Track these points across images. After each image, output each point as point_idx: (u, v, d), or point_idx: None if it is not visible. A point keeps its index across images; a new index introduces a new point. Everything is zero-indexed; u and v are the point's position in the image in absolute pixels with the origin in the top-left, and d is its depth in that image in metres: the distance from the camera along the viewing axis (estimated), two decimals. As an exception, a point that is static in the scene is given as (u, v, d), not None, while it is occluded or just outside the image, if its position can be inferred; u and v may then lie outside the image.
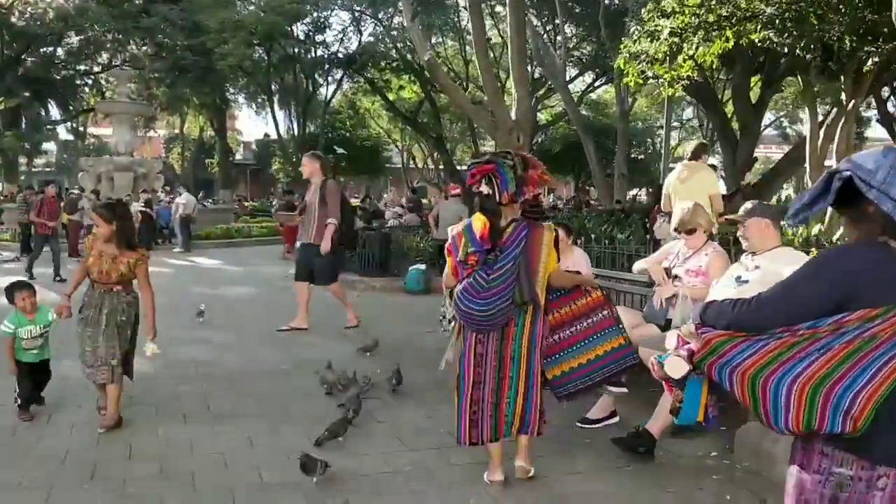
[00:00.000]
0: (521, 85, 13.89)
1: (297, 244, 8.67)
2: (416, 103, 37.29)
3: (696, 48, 10.26)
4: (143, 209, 18.23)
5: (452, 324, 4.46)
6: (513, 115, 13.77)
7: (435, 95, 34.14)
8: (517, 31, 13.21)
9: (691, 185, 7.14)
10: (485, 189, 3.90)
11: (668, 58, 11.66)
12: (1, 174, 37.31)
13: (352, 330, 8.27)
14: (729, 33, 9.94)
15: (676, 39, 10.35)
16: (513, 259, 3.80)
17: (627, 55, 12.08)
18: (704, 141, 12.62)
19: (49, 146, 41.94)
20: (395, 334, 8.00)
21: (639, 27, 11.62)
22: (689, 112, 40.76)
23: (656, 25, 10.48)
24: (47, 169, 42.96)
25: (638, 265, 5.51)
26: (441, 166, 54.16)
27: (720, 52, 10.33)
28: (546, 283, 3.99)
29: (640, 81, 12.99)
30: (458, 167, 37.03)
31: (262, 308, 10.04)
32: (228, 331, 8.42)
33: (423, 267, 11.36)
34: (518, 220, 3.90)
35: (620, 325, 4.25)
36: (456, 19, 30.82)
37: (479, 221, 3.86)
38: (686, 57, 10.66)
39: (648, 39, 11.38)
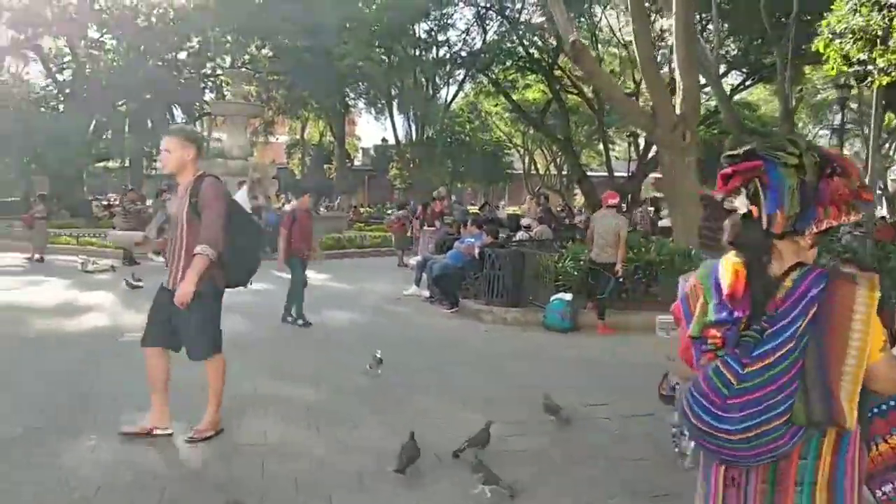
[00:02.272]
0: (688, 70, 11.32)
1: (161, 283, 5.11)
2: (542, 104, 35.00)
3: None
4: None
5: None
6: (677, 107, 11.26)
7: (564, 95, 31.78)
8: (683, 1, 10.66)
9: None
10: (741, 205, 1.98)
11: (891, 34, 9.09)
12: (127, 176, 37.83)
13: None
14: None
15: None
16: (793, 338, 1.88)
17: (829, 35, 9.52)
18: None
19: (174, 150, 42.20)
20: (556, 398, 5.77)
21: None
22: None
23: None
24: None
25: None
26: (565, 172, 52.01)
27: None
28: (860, 386, 1.88)
29: (845, 68, 10.38)
30: (588, 173, 34.45)
31: (358, 343, 8.05)
32: (311, 379, 6.44)
33: (567, 297, 9.07)
34: (806, 266, 1.97)
35: None
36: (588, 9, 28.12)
37: (728, 267, 2.01)
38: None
39: (866, 11, 8.81)
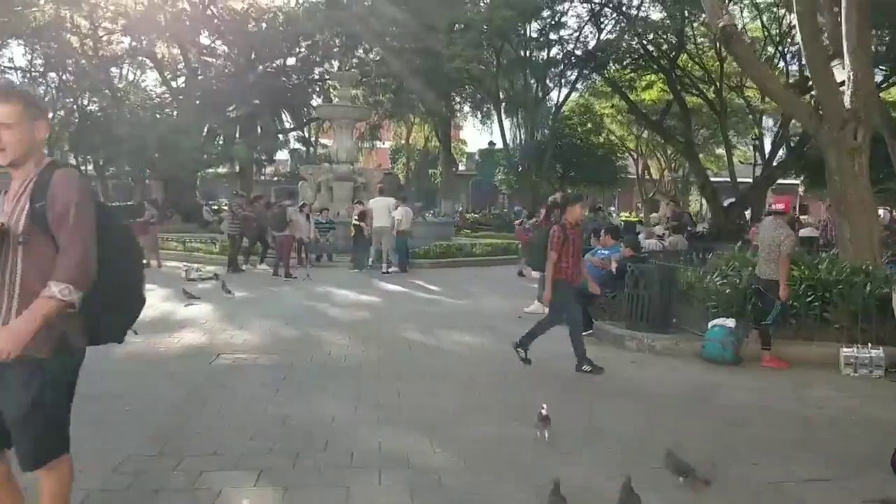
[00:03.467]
0: (862, 57, 9.57)
1: None
2: (660, 105, 33.04)
3: None
4: (357, 223, 16.01)
5: None
6: (846, 100, 9.53)
7: (685, 95, 29.76)
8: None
9: None
10: None
11: None
12: (237, 182, 38.27)
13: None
14: None
15: None
16: None
17: None
18: None
19: (283, 155, 42.66)
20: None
21: None
22: None
23: None
24: (275, 178, 43.77)
25: None
26: (680, 177, 49.39)
27: None
28: None
29: None
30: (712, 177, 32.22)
31: (481, 374, 6.84)
32: (425, 424, 5.27)
33: (730, 323, 7.57)
34: None
35: None
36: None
37: None
38: None
39: None
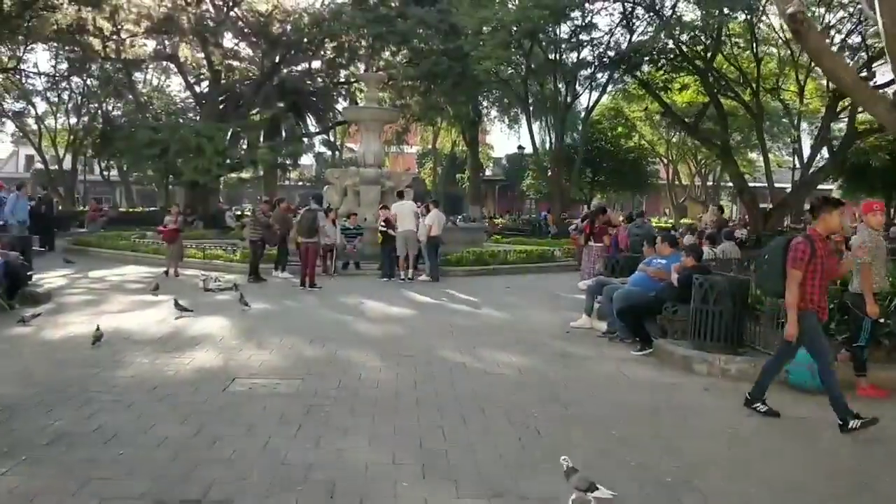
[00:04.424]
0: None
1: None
2: (694, 108, 31.89)
3: None
4: (384, 228, 15.15)
5: None
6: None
7: (722, 98, 28.59)
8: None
9: None
10: None
11: None
12: (261, 186, 37.65)
13: None
14: None
15: None
16: None
17: None
18: None
19: (307, 160, 42.05)
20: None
21: None
22: None
23: None
24: (299, 183, 43.14)
25: None
26: (711, 182, 48.13)
27: None
28: None
29: None
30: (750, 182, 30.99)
31: (535, 403, 5.90)
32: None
33: (820, 345, 6.57)
34: None
35: None
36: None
37: None
38: None
39: None
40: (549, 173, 34.29)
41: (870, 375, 6.51)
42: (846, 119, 27.46)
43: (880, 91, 13.54)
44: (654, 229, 13.72)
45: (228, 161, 29.41)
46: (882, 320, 6.73)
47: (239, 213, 34.35)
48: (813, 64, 22.85)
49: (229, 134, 30.53)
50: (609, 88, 33.01)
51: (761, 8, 25.30)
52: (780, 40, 28.81)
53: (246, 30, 31.51)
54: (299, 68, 33.81)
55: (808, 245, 5.53)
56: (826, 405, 5.58)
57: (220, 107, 32.79)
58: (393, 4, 29.42)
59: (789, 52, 28.37)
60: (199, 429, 5.03)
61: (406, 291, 13.20)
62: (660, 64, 28.08)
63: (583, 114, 35.42)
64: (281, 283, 14.40)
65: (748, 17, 26.01)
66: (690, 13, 27.30)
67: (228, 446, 4.68)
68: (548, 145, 36.58)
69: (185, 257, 16.08)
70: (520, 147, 40.39)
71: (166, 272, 14.93)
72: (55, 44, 31.39)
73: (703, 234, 16.68)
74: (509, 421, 5.46)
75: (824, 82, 30.36)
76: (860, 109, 27.51)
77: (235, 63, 33.30)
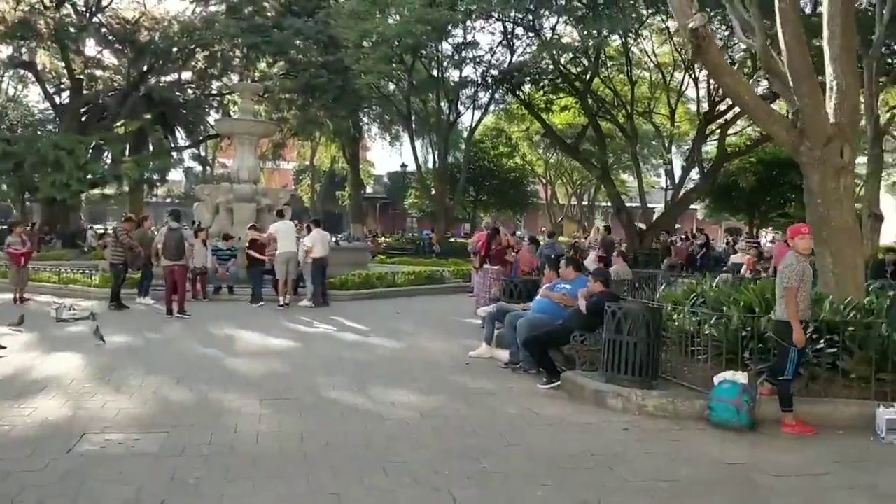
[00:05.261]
0: (847, 66, 8.54)
1: None
2: (573, 129, 32.43)
3: None
4: (249, 251, 14.16)
5: None
6: (830, 113, 8.46)
7: (599, 120, 29.14)
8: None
9: None
10: None
11: None
12: (126, 203, 35.19)
13: None
14: None
15: None
16: None
17: None
18: None
19: (177, 175, 39.77)
20: None
21: None
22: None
23: None
24: (168, 199, 40.74)
25: None
26: (585, 203, 49.30)
27: None
28: None
29: None
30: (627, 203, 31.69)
31: (443, 455, 5.13)
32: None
33: (741, 378, 6.17)
34: None
35: None
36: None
37: None
38: None
39: None
40: (433, 192, 33.90)
41: (795, 410, 6.13)
42: (716, 141, 28.60)
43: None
44: (563, 250, 13.33)
45: (90, 176, 27.25)
46: (806, 350, 6.40)
47: (102, 231, 31.82)
48: (712, 81, 23.43)
49: (91, 147, 28.28)
50: (491, 108, 33.13)
51: (635, 31, 25.93)
52: (653, 64, 29.82)
53: (110, 37, 29.39)
54: (168, 78, 31.92)
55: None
56: (757, 443, 5.12)
57: (82, 118, 30.42)
58: (269, 14, 28.22)
59: (661, 75, 29.35)
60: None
61: (285, 320, 12.12)
62: (541, 84, 28.30)
63: (466, 133, 35.35)
64: (145, 310, 12.97)
65: (623, 39, 26.57)
66: (569, 35, 27.72)
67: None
68: (431, 163, 36.26)
69: (37, 281, 14.31)
70: (403, 165, 39.92)
71: (14, 300, 13.24)
72: None
73: (580, 250, 16.65)
74: (416, 481, 4.64)
75: (693, 107, 31.89)
76: (730, 132, 28.94)
77: (99, 72, 31.08)
